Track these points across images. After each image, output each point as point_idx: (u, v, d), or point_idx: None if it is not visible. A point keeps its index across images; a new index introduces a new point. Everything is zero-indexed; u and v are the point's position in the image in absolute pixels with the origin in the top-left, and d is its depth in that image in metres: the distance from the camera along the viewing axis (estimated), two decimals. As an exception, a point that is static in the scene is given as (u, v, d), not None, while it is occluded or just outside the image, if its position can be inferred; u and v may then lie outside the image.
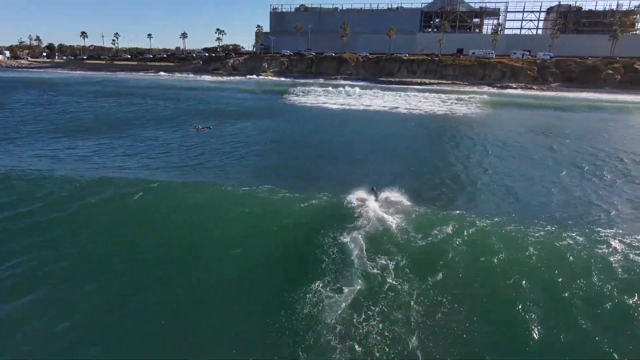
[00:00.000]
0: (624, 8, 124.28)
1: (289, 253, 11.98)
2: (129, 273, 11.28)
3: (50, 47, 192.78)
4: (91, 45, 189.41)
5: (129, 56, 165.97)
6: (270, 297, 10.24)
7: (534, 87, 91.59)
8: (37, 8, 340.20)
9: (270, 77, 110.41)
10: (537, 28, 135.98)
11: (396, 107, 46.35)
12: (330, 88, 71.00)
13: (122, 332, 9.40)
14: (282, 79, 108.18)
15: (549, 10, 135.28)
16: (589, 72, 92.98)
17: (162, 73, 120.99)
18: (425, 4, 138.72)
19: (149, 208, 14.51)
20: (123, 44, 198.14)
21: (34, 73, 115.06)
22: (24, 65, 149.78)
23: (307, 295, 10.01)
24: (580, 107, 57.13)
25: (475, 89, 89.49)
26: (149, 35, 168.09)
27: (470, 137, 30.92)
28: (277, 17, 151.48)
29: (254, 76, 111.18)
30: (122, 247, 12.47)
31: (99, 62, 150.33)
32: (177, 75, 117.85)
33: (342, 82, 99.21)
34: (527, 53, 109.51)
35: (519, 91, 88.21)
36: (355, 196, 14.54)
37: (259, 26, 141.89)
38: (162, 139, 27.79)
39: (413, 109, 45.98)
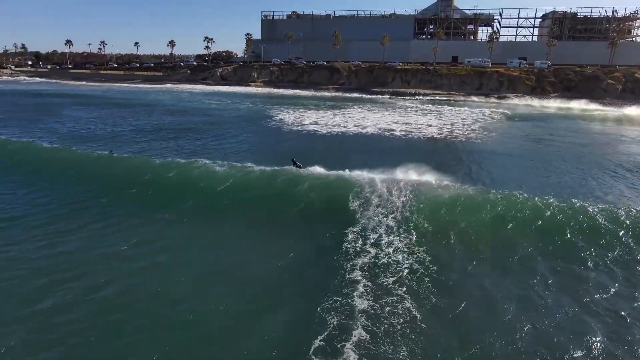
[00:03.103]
0: (619, 15, 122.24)
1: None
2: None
3: (37, 55, 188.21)
4: (84, 52, 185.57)
5: (116, 65, 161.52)
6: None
7: (533, 97, 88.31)
8: (21, 15, 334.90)
9: (259, 88, 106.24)
10: (533, 35, 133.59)
11: (392, 129, 42.60)
12: (321, 104, 67.44)
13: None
14: (272, 89, 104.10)
15: (544, 17, 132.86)
16: (589, 81, 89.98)
17: (143, 85, 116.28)
18: (418, 11, 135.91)
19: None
20: (111, 51, 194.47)
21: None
22: (3, 74, 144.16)
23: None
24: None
25: (473, 99, 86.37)
26: (136, 43, 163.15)
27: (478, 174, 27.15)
28: (268, 24, 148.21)
29: (242, 87, 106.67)
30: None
31: (83, 71, 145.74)
32: (168, 85, 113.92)
33: (334, 93, 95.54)
34: (524, 61, 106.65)
35: (516, 101, 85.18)
36: None
37: (248, 34, 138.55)
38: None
39: (412, 131, 42.27)
